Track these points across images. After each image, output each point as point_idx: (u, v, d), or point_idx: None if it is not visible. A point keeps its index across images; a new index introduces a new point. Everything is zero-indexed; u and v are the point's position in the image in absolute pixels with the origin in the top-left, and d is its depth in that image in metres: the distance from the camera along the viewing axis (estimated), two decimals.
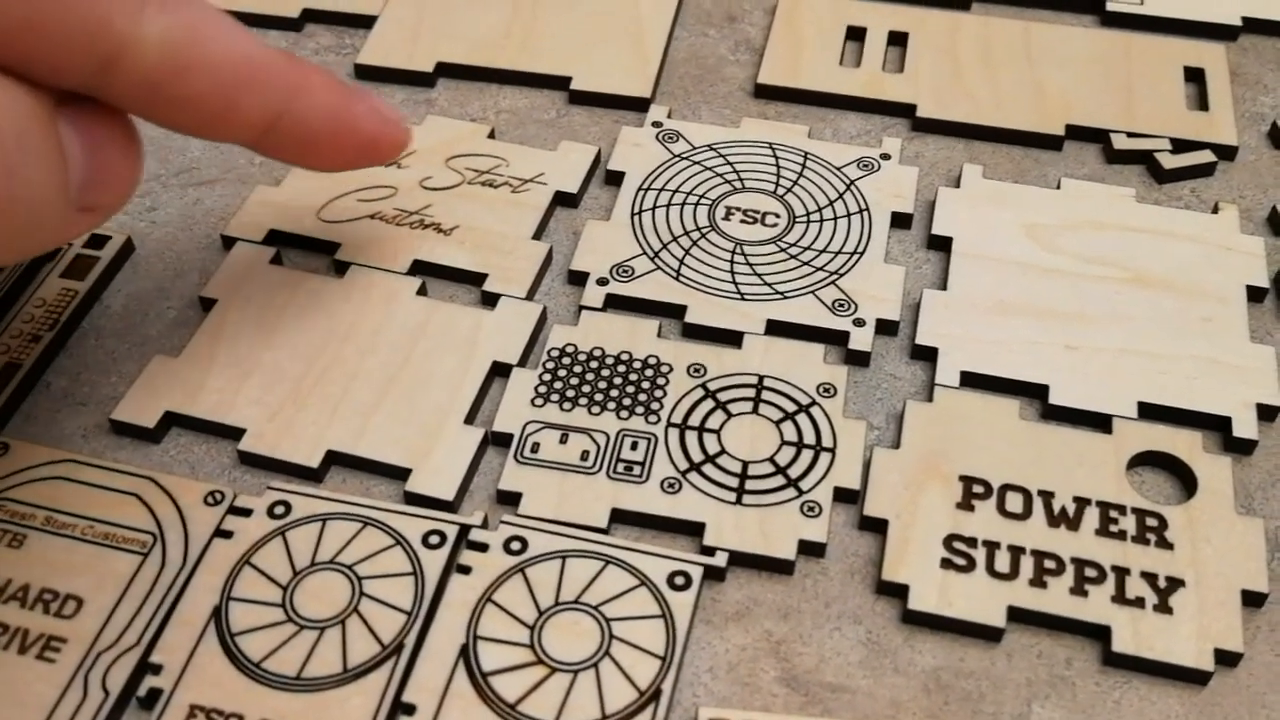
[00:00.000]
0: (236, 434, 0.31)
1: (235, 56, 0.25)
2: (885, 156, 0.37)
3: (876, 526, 0.29)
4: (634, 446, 0.30)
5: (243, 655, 0.26)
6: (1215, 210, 0.36)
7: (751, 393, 0.31)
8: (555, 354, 0.32)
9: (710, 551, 0.28)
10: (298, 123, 0.27)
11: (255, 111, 0.26)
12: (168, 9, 0.24)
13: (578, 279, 0.34)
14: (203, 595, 0.27)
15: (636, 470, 0.30)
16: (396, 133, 0.30)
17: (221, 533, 0.28)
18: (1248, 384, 0.31)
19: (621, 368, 0.32)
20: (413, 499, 0.29)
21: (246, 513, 0.29)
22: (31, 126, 0.23)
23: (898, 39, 0.41)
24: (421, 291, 0.34)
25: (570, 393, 0.31)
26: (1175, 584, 0.28)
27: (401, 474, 0.30)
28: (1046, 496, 0.29)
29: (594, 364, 0.32)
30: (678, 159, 0.37)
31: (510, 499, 0.29)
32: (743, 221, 0.35)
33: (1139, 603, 0.27)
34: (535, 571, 0.28)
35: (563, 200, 0.37)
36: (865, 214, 0.36)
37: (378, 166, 0.31)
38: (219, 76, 0.25)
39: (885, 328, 0.33)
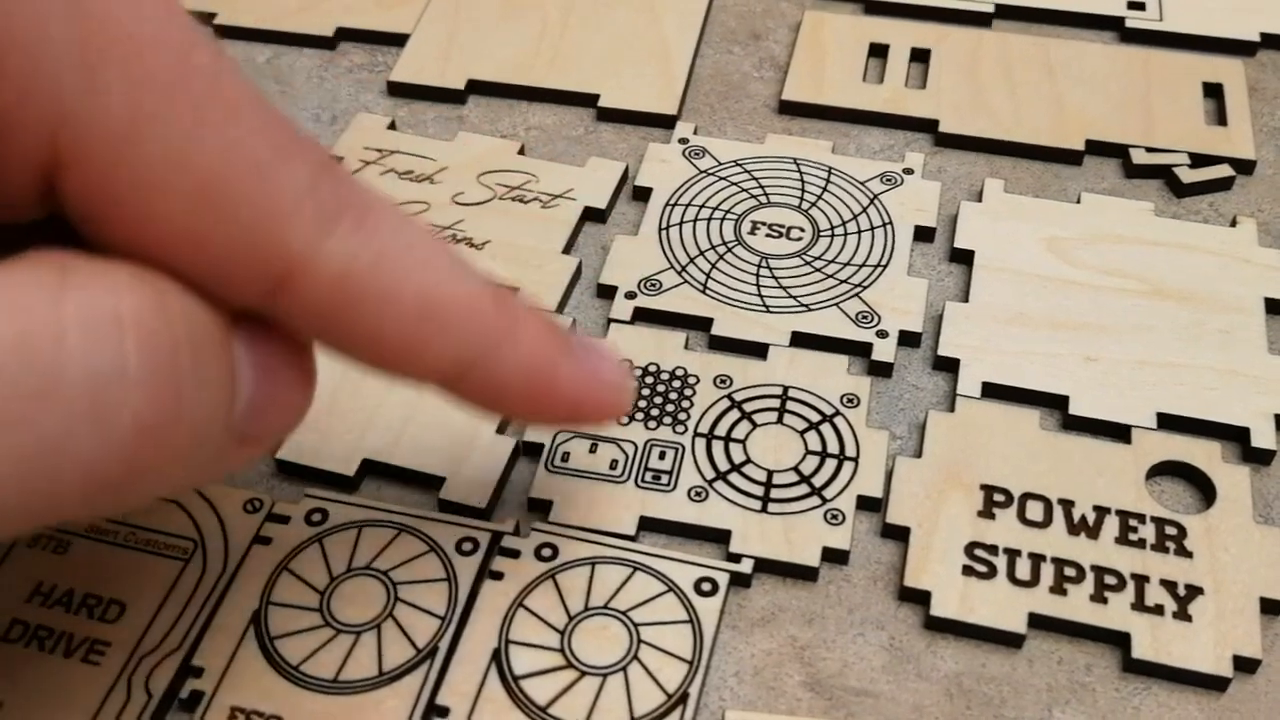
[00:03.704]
0: None
1: (423, 295, 0.22)
2: (908, 171, 0.38)
3: (899, 534, 0.30)
4: (661, 456, 0.31)
5: (282, 658, 0.27)
6: (1233, 224, 0.36)
7: (776, 403, 0.32)
8: None
9: (736, 558, 0.29)
10: (488, 376, 0.23)
11: (439, 358, 0.22)
12: (362, 231, 0.21)
13: (606, 292, 0.35)
14: (243, 600, 0.28)
15: (664, 479, 0.30)
16: (610, 398, 0.25)
17: (260, 539, 0.29)
18: (1266, 395, 0.32)
19: (649, 379, 0.32)
20: (446, 507, 0.30)
21: (284, 520, 0.29)
22: (206, 342, 0.20)
23: (920, 56, 0.42)
24: None
25: None
26: (1194, 591, 0.28)
27: (436, 482, 0.30)
28: (1067, 505, 0.30)
29: None
30: (704, 175, 0.38)
31: (541, 507, 0.30)
32: (768, 236, 0.36)
33: (1158, 610, 0.28)
34: (565, 577, 0.28)
35: (591, 215, 0.37)
36: (888, 228, 0.36)
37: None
38: (399, 315, 0.21)
39: (908, 339, 0.34)
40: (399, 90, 0.42)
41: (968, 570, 0.28)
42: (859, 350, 0.33)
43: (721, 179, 0.38)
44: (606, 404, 0.25)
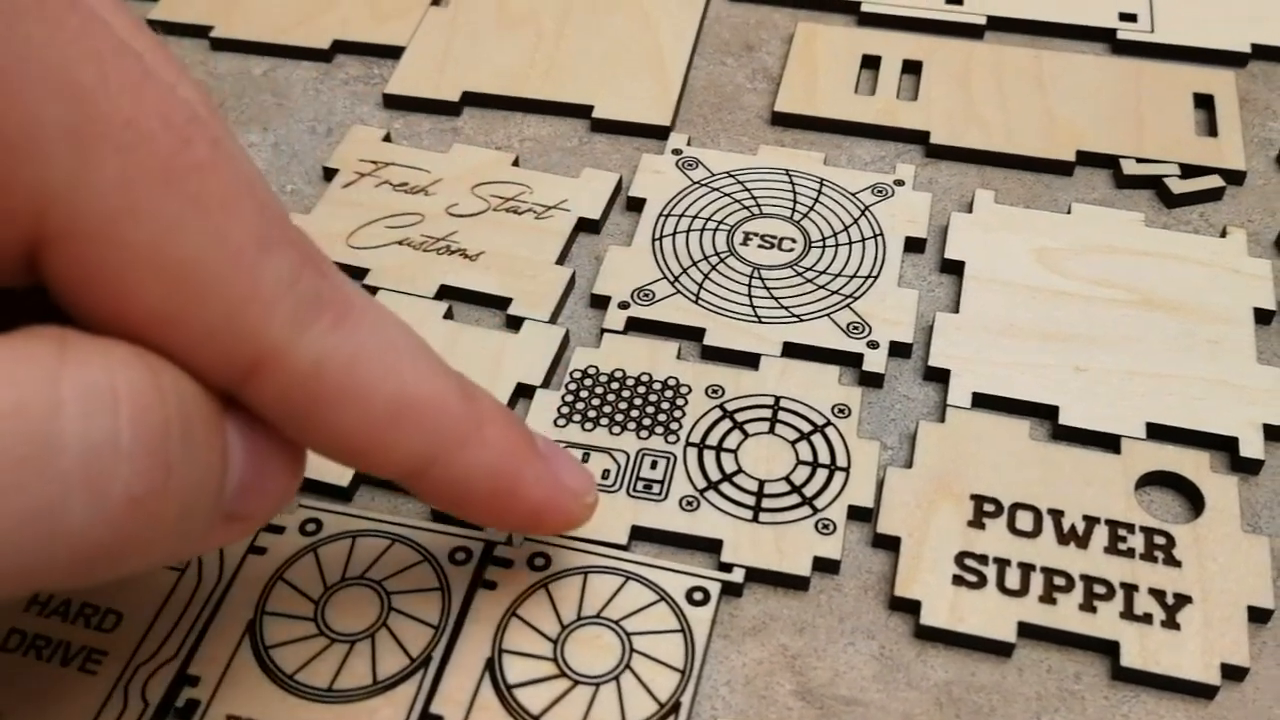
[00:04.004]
0: None
1: (392, 395, 0.22)
2: (899, 183, 0.38)
3: (889, 544, 0.30)
4: (653, 465, 0.31)
5: (276, 667, 0.27)
6: (1223, 234, 0.36)
7: (768, 413, 0.32)
8: (577, 375, 0.33)
9: (728, 568, 0.29)
10: (452, 476, 0.24)
11: (402, 455, 0.23)
12: (342, 329, 0.21)
13: (599, 303, 0.35)
14: (238, 609, 0.28)
15: (656, 488, 0.30)
16: (568, 508, 0.26)
17: (255, 549, 0.29)
18: (1255, 405, 0.32)
19: (641, 389, 0.33)
20: (440, 516, 0.30)
21: (279, 530, 0.30)
22: (198, 420, 0.20)
23: (912, 67, 0.42)
24: (448, 315, 0.35)
25: (592, 413, 0.32)
26: (1182, 600, 0.28)
27: None
28: (1056, 515, 0.30)
29: (615, 385, 0.33)
30: (697, 186, 0.38)
31: None
32: (760, 246, 0.36)
33: (1147, 618, 0.28)
34: (558, 587, 0.29)
35: (585, 226, 0.38)
36: (879, 239, 0.36)
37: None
38: (367, 414, 0.22)
39: (899, 350, 0.34)
40: (394, 102, 0.42)
41: (958, 580, 0.29)
42: (850, 361, 0.33)
43: (714, 190, 0.38)
44: (567, 512, 0.26)
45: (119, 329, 0.20)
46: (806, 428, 0.32)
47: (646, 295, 0.35)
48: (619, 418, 0.32)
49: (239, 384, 0.21)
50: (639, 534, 0.30)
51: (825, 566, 0.29)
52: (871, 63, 0.43)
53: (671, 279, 0.35)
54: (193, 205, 0.20)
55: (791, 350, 0.34)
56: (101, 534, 0.19)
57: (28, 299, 0.21)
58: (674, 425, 0.32)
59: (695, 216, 0.37)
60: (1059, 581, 0.29)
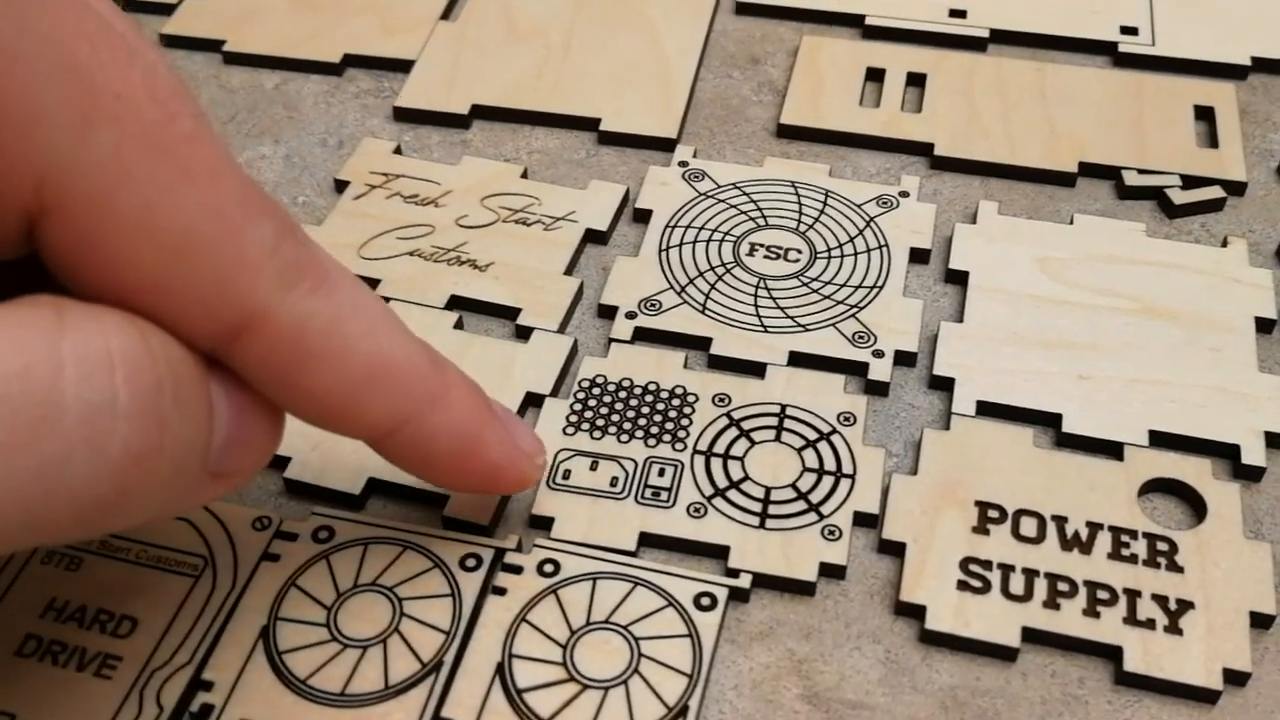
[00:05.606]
0: (282, 462, 0.32)
1: (367, 356, 0.24)
2: (904, 194, 0.38)
3: (895, 550, 0.30)
4: (661, 473, 0.31)
5: (290, 673, 0.28)
6: (1224, 244, 0.37)
7: (774, 421, 0.32)
8: (586, 384, 0.33)
9: (735, 573, 0.29)
10: (421, 436, 0.25)
11: (376, 414, 0.24)
12: (320, 294, 0.23)
13: (607, 313, 0.36)
14: (251, 615, 0.29)
15: (664, 496, 0.31)
16: (524, 468, 0.27)
17: (269, 556, 0.30)
18: (1256, 412, 0.32)
19: (649, 397, 0.33)
20: (450, 524, 0.31)
21: (292, 537, 0.30)
22: (186, 379, 0.21)
23: (916, 80, 0.43)
24: (458, 325, 0.35)
25: (600, 421, 0.32)
26: (1185, 606, 0.28)
27: (439, 500, 0.31)
28: (1060, 521, 0.30)
29: (623, 394, 0.33)
30: (703, 197, 0.39)
31: (543, 523, 0.31)
32: (766, 257, 0.37)
33: (1150, 624, 0.28)
34: (567, 593, 0.29)
35: (593, 237, 0.38)
36: (884, 249, 0.37)
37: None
38: (344, 374, 0.23)
39: (904, 359, 0.34)
40: (404, 115, 0.43)
41: (962, 585, 0.29)
42: (855, 369, 0.34)
43: (720, 201, 0.39)
44: (522, 472, 0.28)
45: (114, 295, 0.21)
46: (812, 435, 0.32)
47: (653, 305, 0.35)
48: (627, 426, 0.32)
49: (226, 345, 0.22)
50: (647, 540, 0.30)
51: (831, 572, 0.30)
52: (876, 75, 0.43)
53: (678, 289, 0.36)
54: (182, 174, 0.21)
55: (797, 359, 0.34)
56: (101, 489, 0.20)
57: (16, 268, 0.22)
58: (681, 433, 0.32)
59: (701, 228, 0.38)
60: (1062, 587, 0.29)
